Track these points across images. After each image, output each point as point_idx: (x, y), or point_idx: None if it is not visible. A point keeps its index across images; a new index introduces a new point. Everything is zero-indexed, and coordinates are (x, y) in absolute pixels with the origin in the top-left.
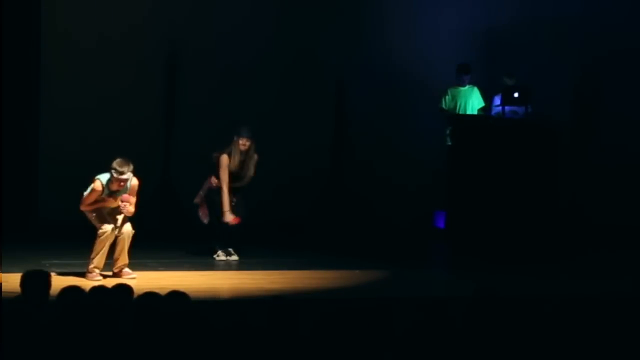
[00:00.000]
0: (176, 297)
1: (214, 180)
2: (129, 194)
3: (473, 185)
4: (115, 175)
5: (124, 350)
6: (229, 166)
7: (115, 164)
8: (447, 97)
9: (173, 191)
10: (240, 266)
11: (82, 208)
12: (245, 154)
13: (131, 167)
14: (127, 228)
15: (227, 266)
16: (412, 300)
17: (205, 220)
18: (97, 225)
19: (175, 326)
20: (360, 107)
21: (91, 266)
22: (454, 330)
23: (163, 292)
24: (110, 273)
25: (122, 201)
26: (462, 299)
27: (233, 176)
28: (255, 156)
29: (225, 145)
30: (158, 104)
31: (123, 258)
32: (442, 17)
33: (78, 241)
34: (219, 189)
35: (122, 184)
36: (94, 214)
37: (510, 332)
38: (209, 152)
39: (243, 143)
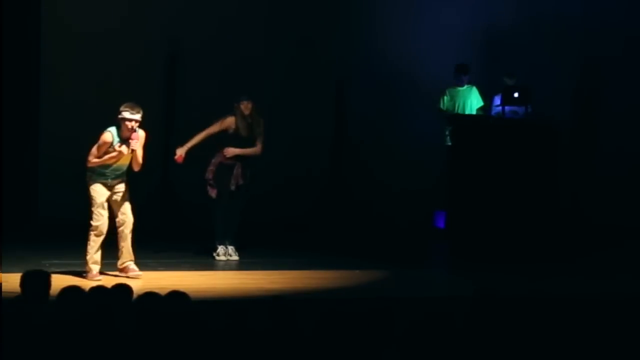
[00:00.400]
0: (176, 297)
1: (226, 152)
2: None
3: (473, 185)
4: (128, 116)
5: (124, 351)
6: (235, 129)
7: (124, 107)
8: (445, 97)
9: (173, 191)
10: (240, 266)
11: (91, 161)
12: (251, 118)
13: (141, 111)
14: (129, 215)
15: (227, 266)
16: (412, 300)
17: (214, 195)
18: (92, 209)
19: (175, 326)
20: (360, 107)
21: (89, 264)
22: (454, 330)
23: (163, 292)
24: (115, 273)
25: (132, 139)
26: (462, 299)
27: (245, 142)
28: (262, 120)
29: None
30: (158, 103)
31: (127, 252)
32: (441, 17)
33: (78, 241)
34: (229, 164)
35: (134, 125)
36: (95, 195)
37: (510, 332)
38: (209, 153)
39: (245, 106)
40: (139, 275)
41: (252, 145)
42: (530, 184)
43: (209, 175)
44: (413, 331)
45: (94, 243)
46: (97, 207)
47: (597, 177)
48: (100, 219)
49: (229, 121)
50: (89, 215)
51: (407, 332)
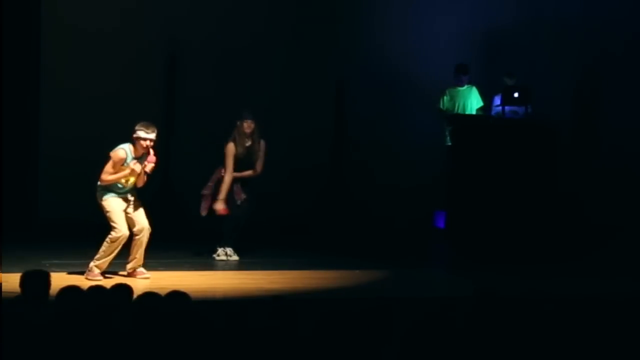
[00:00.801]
0: (176, 297)
1: (222, 171)
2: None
3: (473, 185)
4: (143, 135)
5: (123, 351)
6: (236, 154)
7: (140, 126)
8: (445, 97)
9: (173, 191)
10: (240, 266)
11: (105, 179)
12: (251, 138)
13: (156, 130)
14: (146, 225)
15: (227, 266)
16: (412, 300)
17: (204, 214)
18: (112, 224)
19: (175, 326)
20: (360, 107)
21: (93, 264)
22: (454, 331)
23: (163, 292)
24: (124, 273)
25: (148, 162)
26: (463, 299)
27: (243, 164)
28: (263, 142)
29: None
30: (158, 103)
31: (140, 259)
32: (441, 17)
33: (78, 241)
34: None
35: (149, 144)
36: (110, 209)
37: (510, 332)
38: (209, 152)
39: (248, 125)
40: (147, 277)
41: (251, 166)
42: (530, 184)
43: (206, 190)
44: (413, 331)
45: (109, 250)
46: (117, 219)
47: (596, 177)
48: (120, 232)
49: (232, 148)
50: (108, 227)
51: (407, 332)
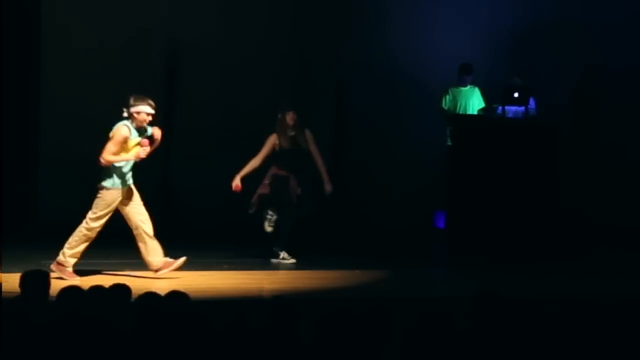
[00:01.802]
0: (176, 297)
1: (275, 169)
2: (155, 139)
3: (473, 185)
4: (148, 110)
5: (123, 351)
6: (278, 145)
7: (140, 102)
8: (447, 96)
9: (173, 191)
10: (240, 266)
11: (107, 159)
12: (295, 129)
13: (151, 103)
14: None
15: (227, 266)
16: (412, 300)
17: (251, 211)
18: (95, 212)
19: (175, 326)
20: (361, 107)
21: (64, 257)
22: (454, 331)
23: (163, 292)
24: (114, 272)
25: (141, 145)
26: (463, 299)
27: (290, 155)
28: (308, 131)
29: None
30: (158, 103)
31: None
32: (443, 17)
33: None
34: (283, 176)
35: (142, 118)
36: (107, 198)
37: (511, 332)
38: (208, 153)
39: (290, 117)
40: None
41: (300, 158)
42: (530, 183)
43: (263, 189)
44: (413, 331)
45: (85, 238)
46: (103, 211)
47: (596, 177)
48: (98, 223)
49: (273, 139)
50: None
51: (407, 332)
